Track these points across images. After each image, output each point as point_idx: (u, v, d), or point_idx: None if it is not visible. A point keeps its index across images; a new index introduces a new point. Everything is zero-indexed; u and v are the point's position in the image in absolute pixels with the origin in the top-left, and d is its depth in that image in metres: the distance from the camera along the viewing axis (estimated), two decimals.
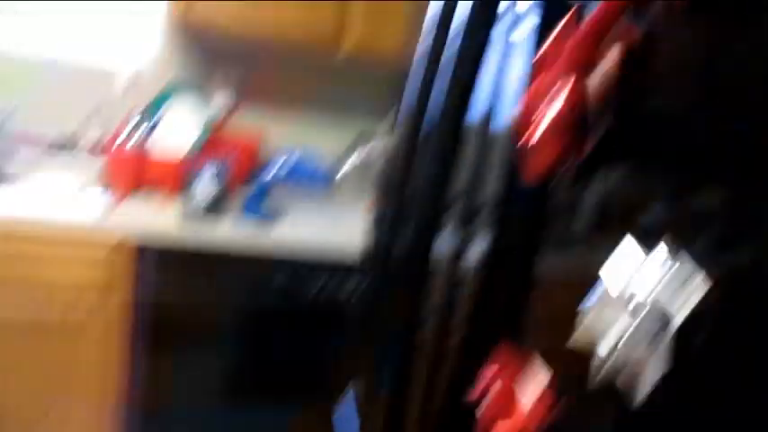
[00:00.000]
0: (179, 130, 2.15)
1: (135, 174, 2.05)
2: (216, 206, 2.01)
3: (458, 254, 0.78)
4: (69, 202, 1.91)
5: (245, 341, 2.14)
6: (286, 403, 2.23)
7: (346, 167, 2.38)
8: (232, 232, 1.97)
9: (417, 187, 0.92)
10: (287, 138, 2.40)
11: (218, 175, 2.02)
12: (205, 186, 2.00)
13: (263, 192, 2.11)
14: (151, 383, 2.08)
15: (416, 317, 0.86)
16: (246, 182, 2.19)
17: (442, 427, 0.74)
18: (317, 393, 2.22)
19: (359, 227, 2.19)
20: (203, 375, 2.14)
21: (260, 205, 2.08)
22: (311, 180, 2.24)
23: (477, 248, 0.73)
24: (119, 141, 2.06)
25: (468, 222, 0.78)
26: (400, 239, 0.94)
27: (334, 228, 2.17)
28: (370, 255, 1.06)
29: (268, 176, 2.13)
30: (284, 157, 2.19)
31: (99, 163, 2.15)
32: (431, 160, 0.90)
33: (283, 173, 2.17)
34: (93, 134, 2.23)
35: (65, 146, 2.23)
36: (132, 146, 2.06)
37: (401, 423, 0.88)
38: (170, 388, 2.11)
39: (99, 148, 2.22)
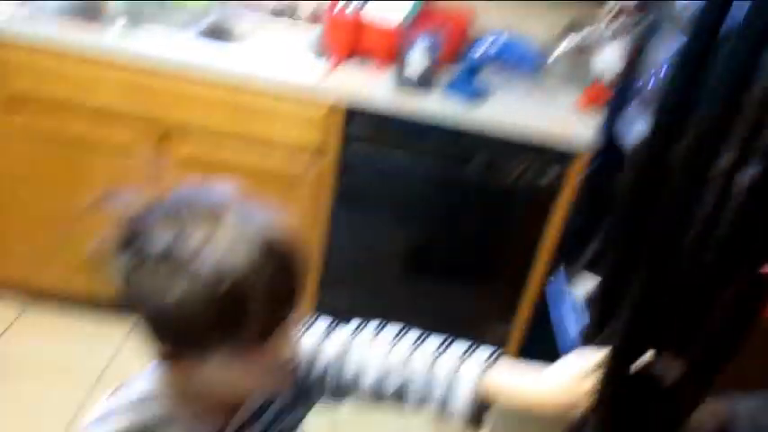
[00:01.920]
0: (393, 1, 2.15)
1: (350, 41, 2.09)
2: (426, 79, 2.01)
3: (733, 169, 0.69)
4: (289, 64, 2.01)
5: (436, 215, 2.19)
6: (469, 282, 2.28)
7: (557, 53, 2.26)
8: (439, 106, 1.97)
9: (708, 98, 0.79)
10: (497, 21, 2.31)
11: (430, 48, 2.00)
12: (417, 58, 2.00)
13: (472, 70, 2.07)
14: (343, 244, 2.21)
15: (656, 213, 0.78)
16: (455, 59, 2.15)
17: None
18: (500, 274, 2.25)
19: (566, 114, 2.10)
20: (392, 244, 2.23)
21: (468, 83, 2.05)
22: (520, 62, 2.16)
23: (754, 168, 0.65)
24: (336, 9, 2.10)
25: (749, 140, 0.68)
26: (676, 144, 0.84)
27: (541, 112, 2.09)
28: (605, 140, 0.98)
29: (477, 55, 2.08)
30: (494, 38, 2.12)
31: (317, 29, 2.22)
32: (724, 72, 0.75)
33: (493, 53, 2.10)
34: (312, 2, 2.30)
35: (285, 12, 2.33)
36: (349, 14, 2.09)
37: (617, 307, 0.83)
38: (358, 252, 2.24)
39: (317, 16, 2.29)
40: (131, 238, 0.65)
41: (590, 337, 0.78)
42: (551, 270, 1.23)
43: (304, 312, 0.73)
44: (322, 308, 2.24)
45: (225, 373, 0.69)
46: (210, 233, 0.63)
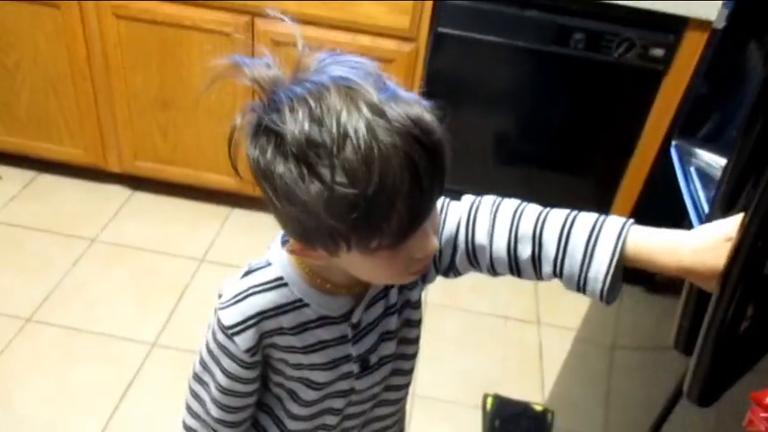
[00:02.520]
0: None
1: None
2: None
3: None
4: None
5: (529, 101, 2.10)
6: (563, 172, 2.21)
7: None
8: None
9: None
10: None
11: None
12: None
13: None
14: None
15: None
16: None
17: None
18: (597, 162, 2.16)
19: None
20: (483, 133, 2.17)
21: None
22: None
23: None
24: None
25: None
26: None
27: None
28: None
29: None
30: None
31: None
32: None
33: None
34: None
35: None
36: None
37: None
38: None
39: None
40: (267, 131, 0.59)
41: (724, 209, 0.72)
42: (664, 146, 1.15)
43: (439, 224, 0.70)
44: None
45: (353, 267, 0.68)
46: (354, 123, 0.56)
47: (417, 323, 0.86)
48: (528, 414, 1.79)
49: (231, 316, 0.74)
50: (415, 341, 0.88)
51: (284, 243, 0.75)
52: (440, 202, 0.78)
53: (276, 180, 0.59)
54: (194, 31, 2.03)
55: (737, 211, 0.67)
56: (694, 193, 0.93)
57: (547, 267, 0.73)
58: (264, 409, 0.88)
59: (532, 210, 0.75)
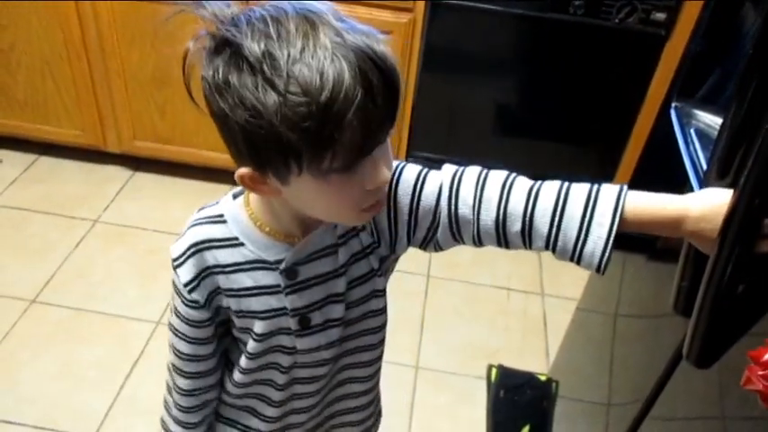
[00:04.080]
0: None
1: None
2: None
3: None
4: None
5: (529, 68, 2.08)
6: (564, 139, 2.19)
7: None
8: None
9: None
10: None
11: None
12: None
13: None
14: (432, 103, 2.15)
15: None
16: None
17: None
18: (598, 129, 2.14)
19: None
20: (482, 101, 2.15)
21: None
22: None
23: None
24: None
25: None
26: None
27: None
28: None
29: None
30: None
31: None
32: None
33: None
34: None
35: None
36: None
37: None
38: (448, 110, 2.17)
39: None
40: (225, 44, 0.61)
41: (720, 170, 0.71)
42: (663, 109, 1.13)
43: (392, 161, 0.69)
44: None
45: (302, 200, 0.68)
46: (311, 41, 0.59)
47: (382, 293, 0.84)
48: (532, 384, 1.80)
49: (175, 248, 0.78)
50: (381, 312, 0.86)
51: (235, 197, 0.78)
52: (415, 168, 0.76)
53: (231, 91, 0.60)
54: (189, 7, 2.01)
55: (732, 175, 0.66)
56: (694, 155, 0.92)
57: (539, 242, 0.70)
58: (228, 367, 0.89)
59: (522, 183, 0.72)
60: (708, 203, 0.66)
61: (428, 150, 2.20)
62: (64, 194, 2.31)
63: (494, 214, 0.71)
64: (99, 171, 2.42)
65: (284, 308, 0.79)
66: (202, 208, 0.80)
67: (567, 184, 0.71)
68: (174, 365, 0.85)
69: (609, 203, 0.68)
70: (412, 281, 2.11)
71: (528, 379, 1.81)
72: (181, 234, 0.78)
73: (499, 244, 0.73)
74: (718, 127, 0.91)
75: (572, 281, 2.12)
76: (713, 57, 1.02)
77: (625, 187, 0.69)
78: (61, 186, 2.34)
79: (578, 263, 0.70)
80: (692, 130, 0.97)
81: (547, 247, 0.71)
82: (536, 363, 1.89)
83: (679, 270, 0.78)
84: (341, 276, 0.79)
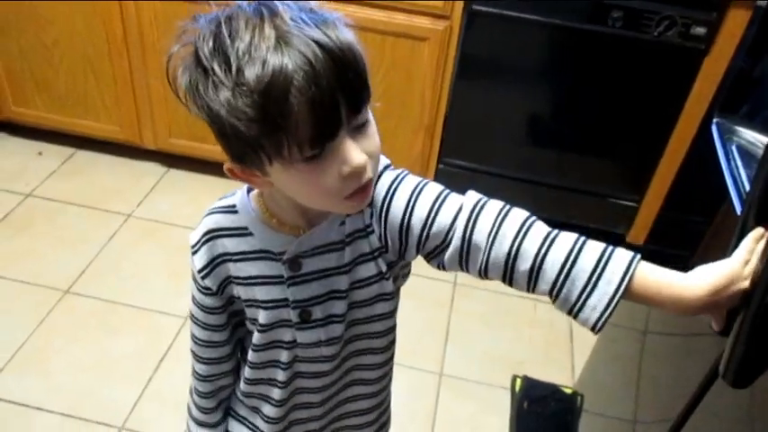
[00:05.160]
0: None
1: None
2: None
3: None
4: None
5: (564, 80, 2.06)
6: (597, 152, 2.17)
7: None
8: None
9: None
10: None
11: None
12: None
13: None
14: (465, 112, 2.15)
15: None
16: None
17: None
18: (632, 143, 2.12)
19: None
20: (516, 112, 2.15)
21: None
22: None
23: None
24: None
25: None
26: None
27: None
28: None
29: None
30: None
31: None
32: None
33: None
34: None
35: None
36: None
37: None
38: (481, 120, 2.17)
39: None
40: (193, 51, 0.64)
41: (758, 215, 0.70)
42: (703, 126, 1.12)
43: (376, 147, 0.69)
44: (441, 176, 2.23)
45: (286, 188, 0.69)
46: (257, 34, 0.61)
47: (390, 296, 0.83)
48: (557, 396, 1.78)
49: (192, 236, 0.82)
50: (389, 316, 0.85)
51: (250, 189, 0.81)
52: (438, 186, 0.76)
53: (196, 93, 0.64)
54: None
55: None
56: (735, 171, 0.90)
57: (543, 286, 0.70)
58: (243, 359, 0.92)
59: (541, 227, 0.72)
60: (709, 284, 0.66)
61: (460, 158, 2.20)
62: (100, 188, 2.35)
63: (507, 248, 0.70)
64: (134, 166, 2.46)
65: (286, 299, 0.80)
66: (221, 198, 0.83)
67: (583, 237, 0.71)
68: (192, 351, 0.90)
69: (621, 265, 0.68)
70: (438, 288, 2.11)
71: (553, 391, 1.80)
72: (199, 222, 0.82)
73: (503, 279, 0.73)
74: (760, 144, 0.90)
75: None
76: (758, 73, 1.01)
77: (638, 255, 0.69)
78: (97, 180, 2.39)
79: (576, 316, 0.70)
80: (733, 147, 0.95)
81: (551, 293, 0.70)
82: (561, 375, 1.88)
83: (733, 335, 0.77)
84: (344, 274, 0.79)
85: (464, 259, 0.74)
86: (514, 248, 0.70)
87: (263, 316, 0.82)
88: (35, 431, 1.61)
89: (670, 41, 1.85)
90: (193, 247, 0.81)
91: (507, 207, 0.73)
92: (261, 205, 0.78)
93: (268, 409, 0.92)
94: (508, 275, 0.72)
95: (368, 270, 0.80)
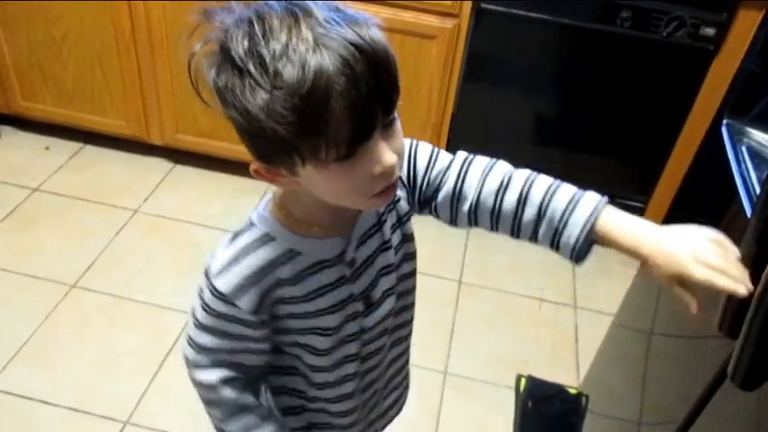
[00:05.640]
0: None
1: None
2: None
3: None
4: None
5: (571, 81, 2.06)
6: (604, 154, 2.17)
7: None
8: None
9: None
10: None
11: None
12: None
13: None
14: (472, 112, 2.14)
15: None
16: None
17: None
18: (640, 143, 2.11)
19: None
20: (523, 112, 2.14)
21: None
22: None
23: None
24: None
25: None
26: None
27: None
28: None
29: None
30: None
31: None
32: None
33: None
34: None
35: None
36: None
37: None
38: (488, 120, 2.17)
39: None
40: (220, 48, 0.63)
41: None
42: (713, 127, 1.12)
43: (402, 145, 0.70)
44: None
45: (317, 188, 0.68)
46: (293, 34, 0.60)
47: (413, 255, 0.90)
48: (562, 396, 1.78)
49: (229, 281, 0.75)
50: (414, 273, 0.91)
51: (263, 209, 0.78)
52: (428, 146, 0.84)
53: (227, 94, 0.63)
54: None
55: None
56: (745, 173, 0.90)
57: (530, 209, 0.78)
58: (289, 372, 0.90)
59: (524, 170, 0.81)
60: (663, 250, 0.69)
61: None
62: (106, 183, 2.36)
63: (497, 182, 0.80)
64: (141, 162, 2.47)
65: (351, 295, 0.81)
66: (238, 233, 0.78)
67: (558, 181, 0.80)
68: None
69: (591, 201, 0.76)
70: (443, 287, 2.11)
71: (557, 391, 1.79)
72: (226, 264, 0.76)
73: (492, 213, 0.80)
74: None
75: (606, 295, 2.10)
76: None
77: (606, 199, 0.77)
78: (104, 175, 2.40)
79: (558, 248, 0.78)
80: (743, 148, 0.95)
81: (535, 229, 0.79)
82: (565, 376, 1.88)
83: None
84: (388, 249, 0.83)
85: (456, 198, 0.82)
86: (505, 180, 0.80)
87: (330, 320, 0.81)
88: (41, 425, 1.62)
89: (679, 42, 1.84)
90: (233, 293, 0.75)
91: (494, 161, 0.83)
92: (291, 220, 0.76)
93: (341, 406, 0.92)
94: (497, 208, 0.80)
95: (397, 236, 0.85)
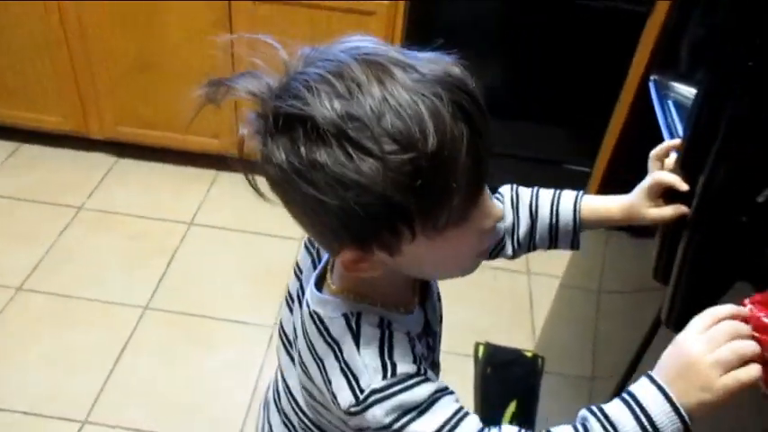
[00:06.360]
0: None
1: None
2: None
3: None
4: None
5: (513, 50, 2.08)
6: (548, 120, 2.20)
7: None
8: None
9: None
10: None
11: None
12: None
13: None
14: None
15: None
16: None
17: None
18: (582, 111, 2.15)
19: None
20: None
21: None
22: None
23: None
24: None
25: None
26: None
27: None
28: None
29: None
30: None
31: None
32: None
33: None
34: None
35: None
36: None
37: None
38: None
39: None
40: (289, 120, 0.52)
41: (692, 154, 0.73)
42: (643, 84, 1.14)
43: None
44: None
45: (415, 264, 0.59)
46: (388, 86, 0.50)
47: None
48: (519, 360, 1.82)
49: (375, 384, 0.60)
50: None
51: (320, 293, 0.66)
52: None
53: (318, 173, 0.51)
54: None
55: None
56: (672, 126, 0.93)
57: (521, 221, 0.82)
58: None
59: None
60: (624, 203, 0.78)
61: None
62: (48, 181, 2.29)
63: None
64: (83, 158, 2.40)
65: (434, 362, 0.79)
66: (358, 334, 0.63)
67: (536, 188, 0.83)
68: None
69: (571, 195, 0.81)
70: None
71: (515, 356, 1.83)
72: (380, 369, 0.61)
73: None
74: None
75: (558, 260, 2.14)
76: (690, 29, 1.03)
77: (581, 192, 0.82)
78: (45, 173, 2.32)
79: (556, 244, 0.83)
80: (670, 102, 0.98)
81: (527, 226, 0.83)
82: (524, 340, 1.91)
83: (658, 241, 0.80)
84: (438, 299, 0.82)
85: None
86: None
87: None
88: None
89: (615, 6, 1.88)
90: (406, 375, 0.61)
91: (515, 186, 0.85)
92: (382, 303, 0.65)
93: None
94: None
95: None
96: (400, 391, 0.59)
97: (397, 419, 0.59)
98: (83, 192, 2.26)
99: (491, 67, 2.14)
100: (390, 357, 0.61)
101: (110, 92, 2.21)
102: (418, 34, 2.03)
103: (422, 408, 0.60)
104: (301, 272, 0.76)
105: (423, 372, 0.62)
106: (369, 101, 0.50)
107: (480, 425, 0.61)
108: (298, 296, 0.74)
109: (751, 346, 0.55)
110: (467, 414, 0.61)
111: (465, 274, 0.65)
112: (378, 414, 0.59)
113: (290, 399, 0.77)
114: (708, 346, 0.55)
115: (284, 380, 0.79)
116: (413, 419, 0.59)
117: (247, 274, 2.02)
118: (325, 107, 0.50)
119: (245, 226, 2.16)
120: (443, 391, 0.63)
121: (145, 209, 2.22)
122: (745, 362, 0.54)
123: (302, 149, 0.51)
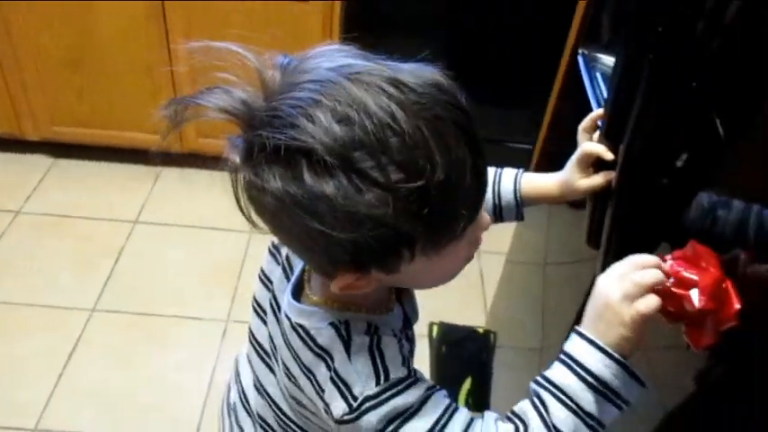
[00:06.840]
0: None
1: None
2: None
3: None
4: None
5: (450, 31, 2.09)
6: (489, 101, 2.22)
7: None
8: None
9: None
10: None
11: None
12: None
13: None
14: None
15: None
16: None
17: None
18: (521, 89, 2.19)
19: None
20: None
21: None
22: None
23: None
24: None
25: None
26: None
27: None
28: None
29: None
30: None
31: None
32: None
33: None
34: None
35: None
36: None
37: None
38: None
39: None
40: (290, 152, 0.49)
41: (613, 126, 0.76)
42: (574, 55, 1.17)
43: None
44: None
45: (410, 278, 0.60)
46: (383, 104, 0.48)
47: None
48: (472, 337, 1.85)
49: (366, 390, 0.60)
50: None
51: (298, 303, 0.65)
52: None
53: (322, 204, 0.49)
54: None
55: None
56: (600, 97, 0.95)
57: None
58: None
59: None
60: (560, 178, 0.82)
61: None
62: None
63: None
64: (18, 161, 2.32)
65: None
66: (348, 342, 0.62)
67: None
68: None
69: (511, 173, 0.85)
70: None
71: (468, 333, 1.86)
72: (371, 373, 0.61)
73: None
74: None
75: (507, 238, 2.18)
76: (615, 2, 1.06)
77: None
78: None
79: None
80: (597, 74, 1.01)
81: None
82: (477, 317, 1.94)
83: (589, 207, 0.83)
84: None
85: None
86: None
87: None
88: None
89: None
90: (401, 378, 0.61)
91: None
92: (366, 307, 0.65)
93: None
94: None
95: None
96: (393, 396, 0.60)
97: (389, 423, 0.59)
98: (20, 196, 2.19)
99: (432, 47, 2.14)
100: (383, 362, 0.61)
101: (41, 91, 2.13)
102: (357, 17, 2.02)
103: (414, 409, 0.60)
104: (271, 282, 0.73)
105: (412, 373, 0.63)
106: (370, 127, 0.48)
107: (469, 416, 0.62)
108: (272, 307, 0.72)
109: (653, 275, 0.58)
110: (456, 409, 0.62)
111: (453, 278, 0.65)
112: (372, 420, 0.59)
113: (272, 406, 0.76)
114: (620, 284, 0.58)
115: (262, 387, 0.77)
116: (406, 421, 0.60)
117: (196, 269, 1.99)
118: (326, 137, 0.48)
119: (191, 221, 2.13)
120: (432, 389, 0.63)
121: (87, 209, 2.16)
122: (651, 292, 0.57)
123: (304, 180, 0.49)
